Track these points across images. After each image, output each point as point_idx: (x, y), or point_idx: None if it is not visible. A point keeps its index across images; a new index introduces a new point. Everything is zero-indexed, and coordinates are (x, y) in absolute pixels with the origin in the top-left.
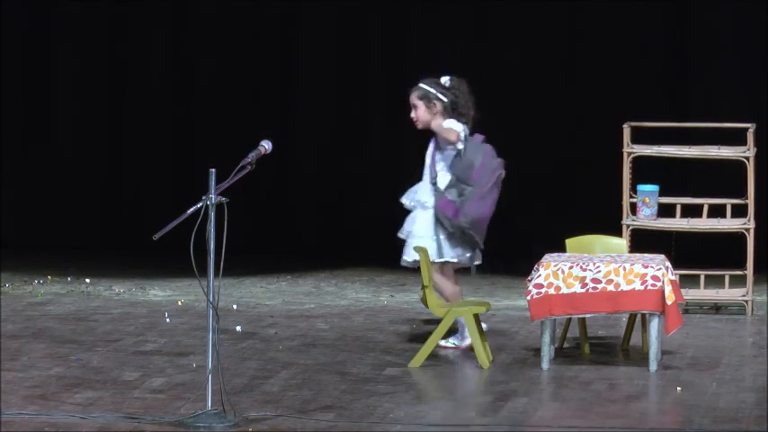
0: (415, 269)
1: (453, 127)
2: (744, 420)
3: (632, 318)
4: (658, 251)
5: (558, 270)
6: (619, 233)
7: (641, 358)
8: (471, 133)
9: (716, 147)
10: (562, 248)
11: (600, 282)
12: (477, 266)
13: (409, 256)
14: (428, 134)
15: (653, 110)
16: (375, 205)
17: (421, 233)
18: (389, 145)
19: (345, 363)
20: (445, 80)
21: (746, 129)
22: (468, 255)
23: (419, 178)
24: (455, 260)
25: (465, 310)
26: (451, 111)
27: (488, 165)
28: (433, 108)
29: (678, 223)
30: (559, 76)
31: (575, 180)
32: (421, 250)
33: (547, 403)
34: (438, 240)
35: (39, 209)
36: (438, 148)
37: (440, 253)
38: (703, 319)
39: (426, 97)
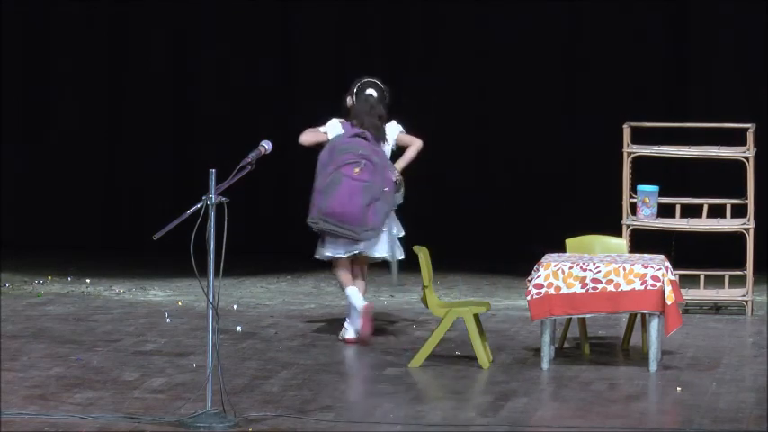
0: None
1: (320, 127)
2: (744, 420)
3: (632, 318)
4: (658, 251)
5: (558, 270)
6: (619, 233)
7: (641, 358)
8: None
9: (716, 147)
10: (562, 248)
11: (600, 282)
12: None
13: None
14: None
15: (653, 110)
16: None
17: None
18: None
19: (345, 363)
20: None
21: (746, 129)
22: (353, 247)
23: (418, 176)
24: (341, 255)
25: (465, 310)
26: (349, 114)
27: (330, 159)
28: (346, 104)
29: (678, 223)
30: (559, 76)
31: (575, 180)
32: (421, 251)
33: (547, 403)
34: (320, 240)
35: (39, 209)
36: None
37: (321, 252)
38: (703, 319)
39: (349, 91)
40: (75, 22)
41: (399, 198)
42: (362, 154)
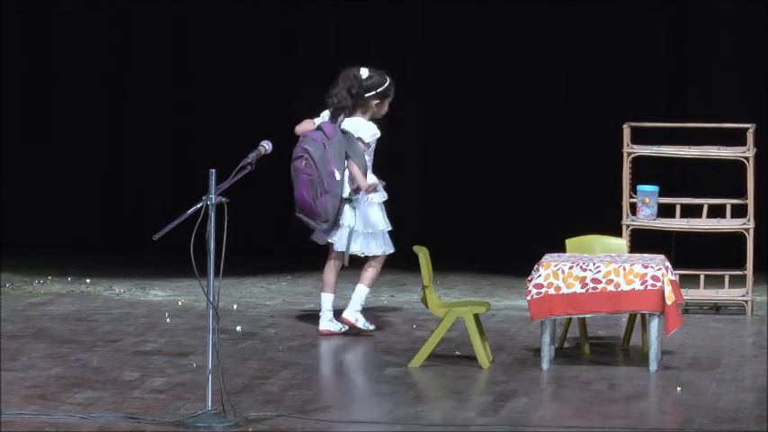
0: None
1: (316, 118)
2: (744, 420)
3: (632, 318)
4: (658, 251)
5: (558, 270)
6: (619, 233)
7: (641, 358)
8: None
9: (716, 147)
10: (562, 248)
11: (600, 282)
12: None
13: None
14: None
15: (653, 110)
16: None
17: None
18: (389, 144)
19: (345, 363)
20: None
21: (746, 129)
22: (327, 237)
23: (419, 176)
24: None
25: (465, 311)
26: None
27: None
28: None
29: (678, 223)
30: (559, 76)
31: (575, 180)
32: (421, 251)
33: (547, 403)
34: None
35: (39, 209)
36: None
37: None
38: (703, 319)
39: None
40: (75, 22)
41: (381, 195)
42: (306, 147)
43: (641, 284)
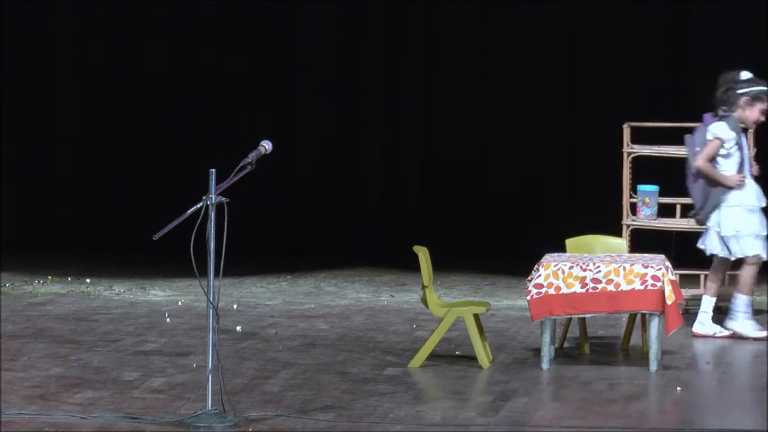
0: None
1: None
2: (742, 420)
3: (632, 318)
4: (658, 251)
5: (558, 270)
6: (619, 233)
7: (641, 358)
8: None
9: None
10: (562, 248)
11: (600, 282)
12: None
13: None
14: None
15: (653, 110)
16: (375, 205)
17: None
18: (389, 145)
19: (345, 363)
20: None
21: (746, 129)
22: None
23: (420, 176)
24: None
25: (465, 310)
26: None
27: None
28: None
29: (678, 223)
30: (560, 77)
31: (575, 180)
32: (421, 251)
33: (547, 403)
34: None
35: (39, 209)
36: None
37: None
38: None
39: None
40: (75, 20)
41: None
42: (689, 134)
43: (641, 284)
